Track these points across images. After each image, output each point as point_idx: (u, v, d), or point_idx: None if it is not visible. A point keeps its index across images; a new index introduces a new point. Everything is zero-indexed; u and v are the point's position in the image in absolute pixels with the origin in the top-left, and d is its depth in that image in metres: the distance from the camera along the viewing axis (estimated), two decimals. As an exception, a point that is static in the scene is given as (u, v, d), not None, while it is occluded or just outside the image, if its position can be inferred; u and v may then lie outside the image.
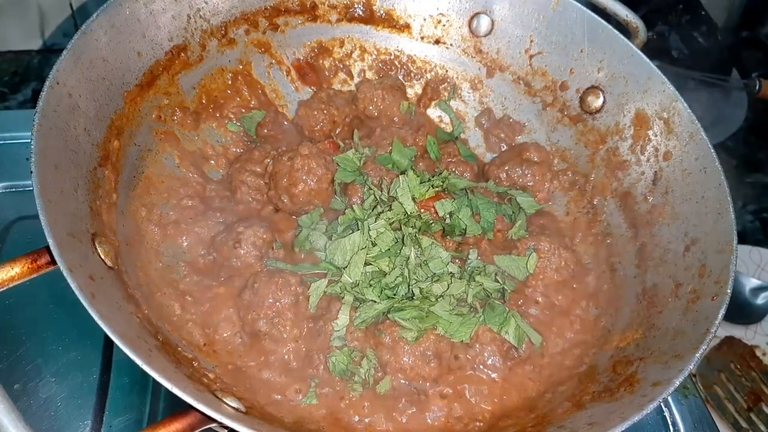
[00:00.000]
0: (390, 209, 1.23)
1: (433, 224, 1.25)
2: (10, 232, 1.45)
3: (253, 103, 1.44)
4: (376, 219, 1.20)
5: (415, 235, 1.20)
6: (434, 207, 1.26)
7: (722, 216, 1.12)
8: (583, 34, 1.37)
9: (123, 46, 1.15)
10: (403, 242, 1.19)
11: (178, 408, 0.80)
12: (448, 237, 1.26)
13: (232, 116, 1.41)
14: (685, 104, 1.25)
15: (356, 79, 1.55)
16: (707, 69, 2.32)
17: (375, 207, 1.25)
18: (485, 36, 1.49)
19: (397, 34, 1.52)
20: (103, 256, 0.96)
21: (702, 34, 2.32)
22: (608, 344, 1.17)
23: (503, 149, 1.51)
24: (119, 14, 1.14)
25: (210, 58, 1.36)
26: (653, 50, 1.37)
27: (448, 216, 1.26)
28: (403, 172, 1.30)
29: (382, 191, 1.27)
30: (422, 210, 1.26)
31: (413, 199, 1.24)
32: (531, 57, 1.46)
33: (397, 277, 1.15)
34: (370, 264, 1.17)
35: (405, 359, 1.09)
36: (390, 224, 1.21)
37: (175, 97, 1.30)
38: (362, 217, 1.22)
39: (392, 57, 1.54)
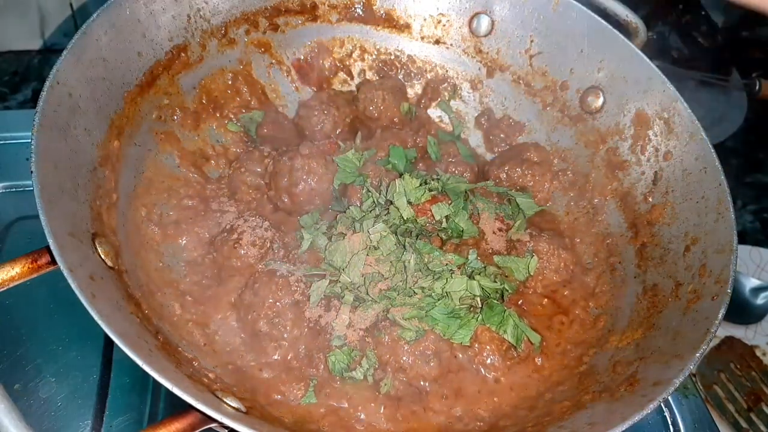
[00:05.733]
0: (387, 212, 1.23)
1: (432, 234, 1.25)
2: (10, 232, 1.45)
3: (253, 103, 1.44)
4: (374, 222, 1.20)
5: (413, 243, 1.20)
6: (431, 210, 1.26)
7: (722, 216, 1.12)
8: (583, 34, 1.37)
9: (123, 46, 1.15)
10: (404, 247, 1.19)
11: (178, 408, 0.80)
12: (447, 241, 1.26)
13: (232, 116, 1.41)
14: (685, 104, 1.25)
15: (356, 79, 1.55)
16: (707, 69, 2.31)
17: (373, 209, 1.25)
18: (485, 36, 1.49)
19: (397, 34, 1.52)
20: (103, 256, 0.96)
21: (702, 34, 2.32)
22: (608, 344, 1.17)
23: (503, 149, 1.51)
24: (119, 14, 1.14)
25: (210, 58, 1.36)
26: (653, 50, 1.36)
27: (444, 219, 1.26)
28: (401, 175, 1.30)
29: (380, 193, 1.27)
30: (419, 214, 1.25)
31: (409, 202, 1.24)
32: (531, 57, 1.46)
33: (398, 282, 1.15)
34: (369, 265, 1.17)
35: (404, 359, 1.09)
36: (389, 227, 1.20)
37: (175, 97, 1.30)
38: (360, 218, 1.22)
39: (392, 57, 1.54)
